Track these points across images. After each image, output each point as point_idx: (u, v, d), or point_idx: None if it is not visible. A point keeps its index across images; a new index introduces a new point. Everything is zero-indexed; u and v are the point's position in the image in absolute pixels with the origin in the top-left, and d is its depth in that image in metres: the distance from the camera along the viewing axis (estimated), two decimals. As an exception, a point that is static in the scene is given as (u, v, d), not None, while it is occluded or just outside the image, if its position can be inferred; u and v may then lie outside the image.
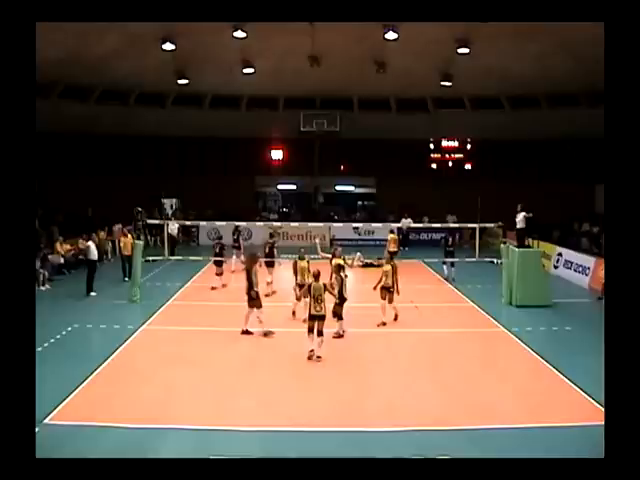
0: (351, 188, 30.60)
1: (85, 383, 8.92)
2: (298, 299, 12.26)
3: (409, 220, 23.28)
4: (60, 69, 20.18)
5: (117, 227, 21.42)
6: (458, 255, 18.02)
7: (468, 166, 28.17)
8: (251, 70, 22.57)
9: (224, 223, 19.88)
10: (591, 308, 14.31)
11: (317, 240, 15.65)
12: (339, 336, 11.48)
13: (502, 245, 15.55)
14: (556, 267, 19.84)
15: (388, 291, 12.53)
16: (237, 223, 18.76)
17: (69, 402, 8.18)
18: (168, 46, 19.74)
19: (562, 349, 11.03)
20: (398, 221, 23.14)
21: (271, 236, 19.06)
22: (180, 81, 23.39)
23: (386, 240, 19.65)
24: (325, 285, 10.46)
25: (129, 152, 28.01)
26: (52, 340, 11.08)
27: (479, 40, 19.31)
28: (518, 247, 15.18)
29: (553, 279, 17.48)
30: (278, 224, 23.76)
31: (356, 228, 25.78)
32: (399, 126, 26.39)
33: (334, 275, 12.08)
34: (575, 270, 18.65)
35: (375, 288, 12.67)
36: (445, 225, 21.22)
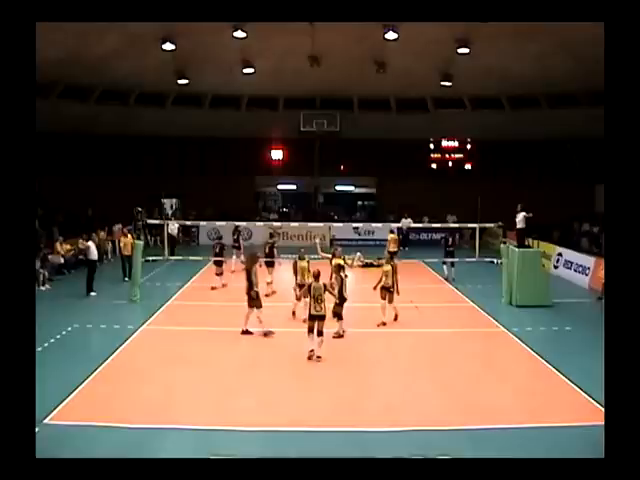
0: (351, 188, 30.58)
1: (85, 383, 8.92)
2: (298, 299, 12.27)
3: (409, 220, 23.29)
4: (60, 69, 20.18)
5: (117, 227, 21.42)
6: (458, 255, 18.01)
7: (468, 166, 28.14)
8: (251, 70, 22.58)
9: (224, 223, 19.90)
10: (591, 308, 14.29)
11: (317, 240, 15.65)
12: (339, 336, 11.47)
13: (502, 245, 15.54)
14: (556, 267, 19.83)
15: (388, 291, 12.52)
16: (237, 223, 18.75)
17: (69, 402, 8.17)
18: (168, 46, 19.75)
19: (562, 349, 11.03)
20: (398, 221, 23.15)
21: (271, 236, 19.06)
22: (180, 81, 23.39)
23: (386, 240, 19.67)
24: (325, 285, 10.46)
25: (129, 152, 28.00)
26: (52, 340, 11.07)
27: (479, 40, 19.31)
28: (518, 247, 15.18)
29: (553, 279, 17.45)
30: (278, 224, 23.79)
31: (356, 228, 25.80)
32: (399, 126, 26.39)
33: (334, 275, 12.10)
34: (575, 270, 18.64)
35: (375, 288, 12.67)
36: (445, 225, 21.18)
